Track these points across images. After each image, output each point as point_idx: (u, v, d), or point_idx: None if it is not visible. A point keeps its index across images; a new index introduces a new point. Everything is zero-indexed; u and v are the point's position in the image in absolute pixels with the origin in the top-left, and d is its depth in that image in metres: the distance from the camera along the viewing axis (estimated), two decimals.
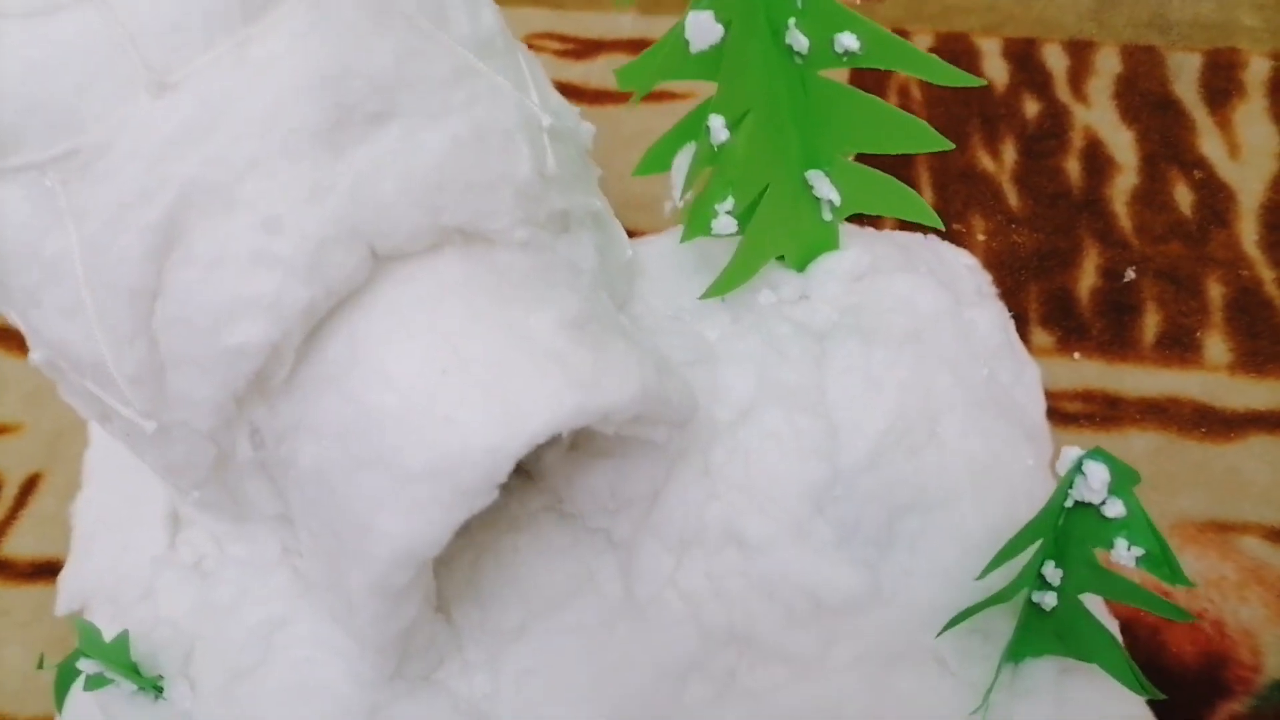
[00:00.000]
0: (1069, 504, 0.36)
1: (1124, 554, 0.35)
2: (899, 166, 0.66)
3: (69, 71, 0.32)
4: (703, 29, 0.37)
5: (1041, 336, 0.58)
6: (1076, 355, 0.57)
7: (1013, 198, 0.64)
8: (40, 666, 0.40)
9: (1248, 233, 0.61)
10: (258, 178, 0.32)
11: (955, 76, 0.40)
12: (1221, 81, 0.69)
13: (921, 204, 0.46)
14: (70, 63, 0.32)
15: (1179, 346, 0.57)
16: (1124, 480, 0.35)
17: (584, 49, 0.74)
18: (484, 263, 0.37)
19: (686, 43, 0.38)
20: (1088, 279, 0.60)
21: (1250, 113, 0.67)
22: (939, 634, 0.40)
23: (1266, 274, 0.59)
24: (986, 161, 0.66)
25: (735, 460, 0.43)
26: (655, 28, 0.74)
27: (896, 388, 0.44)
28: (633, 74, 0.44)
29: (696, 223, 0.43)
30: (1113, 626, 0.42)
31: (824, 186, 0.45)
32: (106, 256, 0.33)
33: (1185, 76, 0.69)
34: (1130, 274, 0.60)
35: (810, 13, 0.39)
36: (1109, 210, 0.63)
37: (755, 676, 0.42)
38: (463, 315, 0.35)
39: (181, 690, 0.41)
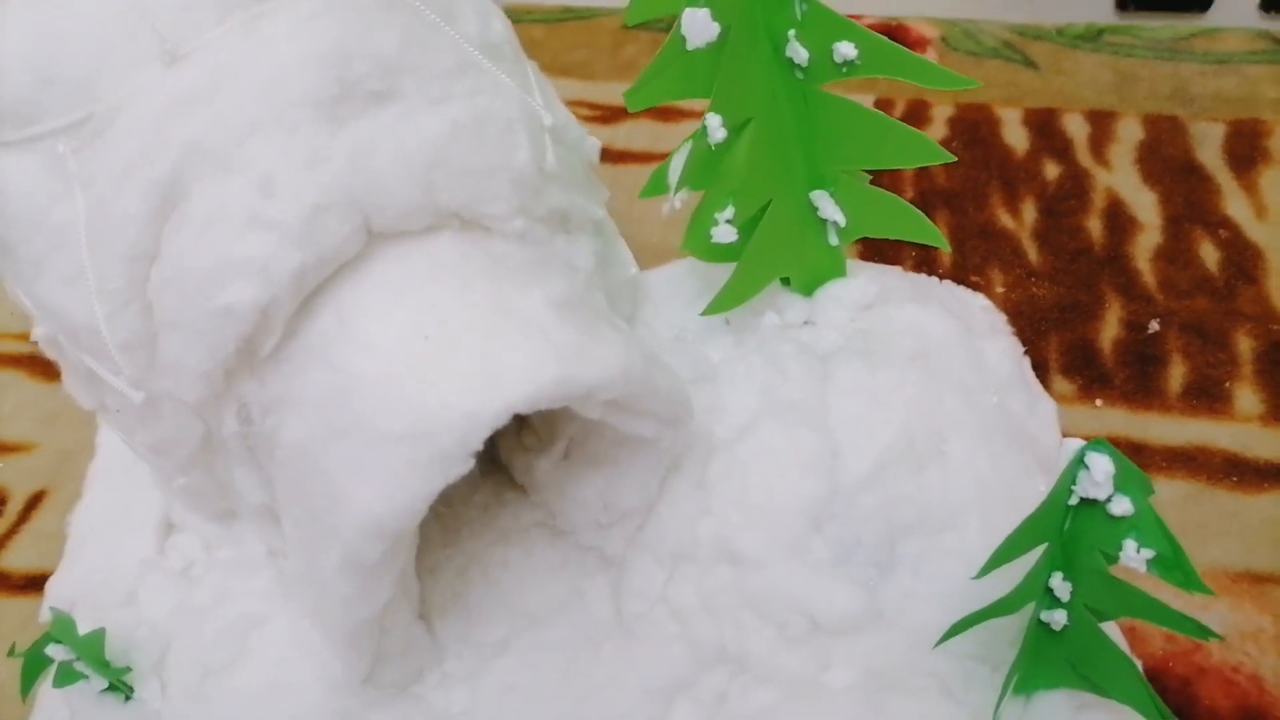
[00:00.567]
0: (1073, 501, 0.34)
1: (1133, 556, 0.33)
2: None
3: (87, 44, 0.34)
4: (699, 26, 0.38)
5: (1062, 384, 0.56)
6: (1099, 402, 0.55)
7: (1032, 253, 0.63)
8: (12, 654, 0.39)
9: (1276, 289, 0.60)
10: (257, 143, 0.33)
11: (950, 80, 0.40)
12: (1246, 149, 0.69)
13: (929, 226, 0.46)
14: (89, 35, 0.34)
15: (1207, 397, 0.55)
16: (1130, 477, 0.33)
17: (611, 115, 0.76)
18: (479, 247, 0.37)
19: (684, 40, 0.39)
20: (1110, 330, 0.59)
21: (1277, 177, 0.67)
22: (938, 643, 0.37)
23: None
24: (1006, 219, 0.66)
25: (732, 475, 0.42)
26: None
27: (901, 407, 0.43)
28: (636, 92, 0.45)
29: (697, 230, 0.43)
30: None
31: (829, 208, 0.45)
32: (109, 219, 0.34)
33: (1209, 144, 0.69)
34: (1154, 326, 0.58)
35: (809, 23, 0.40)
36: (1131, 266, 0.62)
37: (746, 700, 0.39)
38: (451, 289, 0.35)
39: (152, 689, 0.40)
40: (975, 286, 0.61)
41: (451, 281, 0.35)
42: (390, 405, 0.32)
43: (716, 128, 0.40)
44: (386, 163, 0.34)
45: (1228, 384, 0.55)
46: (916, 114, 0.74)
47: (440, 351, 0.33)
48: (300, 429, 0.35)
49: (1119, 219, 0.65)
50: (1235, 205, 0.65)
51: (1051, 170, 0.68)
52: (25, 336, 0.61)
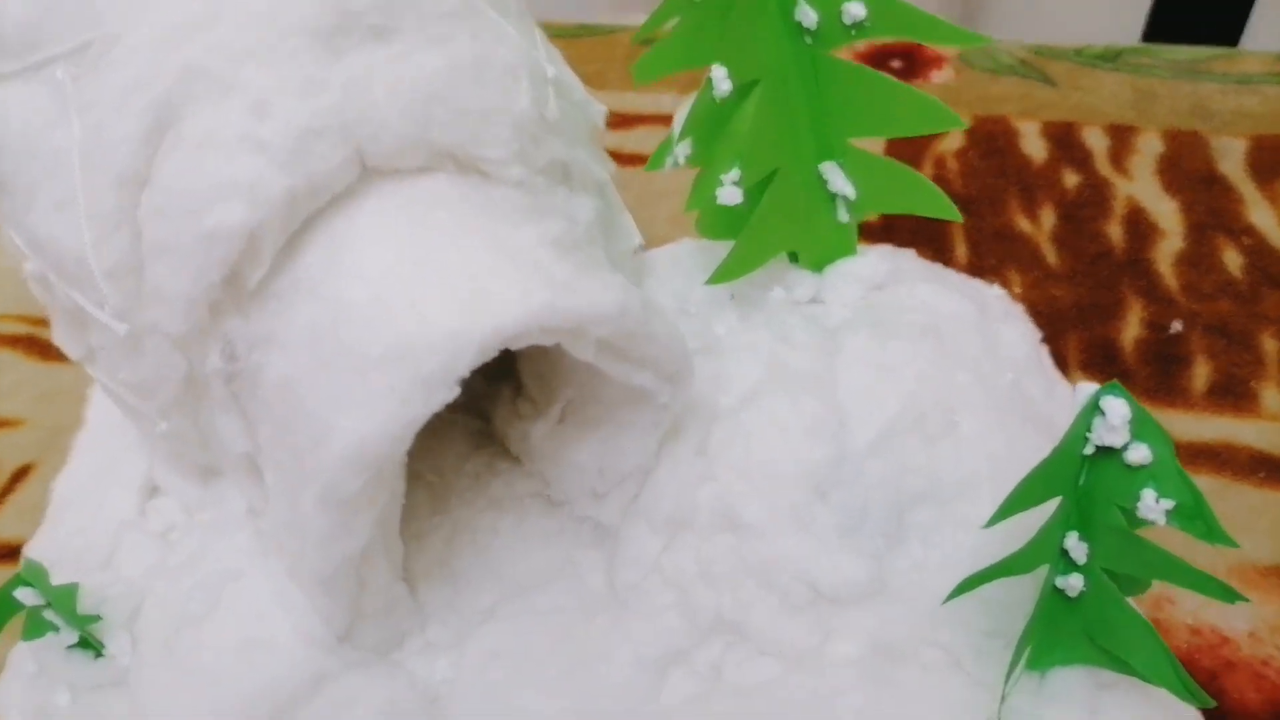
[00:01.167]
0: (1088, 451, 0.32)
1: (1152, 507, 0.31)
2: (929, 223, 0.65)
3: None
4: None
5: (1081, 380, 0.54)
6: None
7: (1051, 256, 0.62)
8: None
9: None
10: (254, 67, 0.33)
11: (963, 37, 0.40)
12: (1269, 161, 0.67)
13: (941, 197, 0.44)
14: None
15: (1232, 395, 0.53)
16: (1147, 424, 0.31)
17: (623, 121, 0.76)
18: (476, 189, 0.36)
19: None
20: (1131, 330, 0.57)
21: None
22: (946, 599, 0.35)
23: None
24: (1024, 224, 0.64)
25: (734, 442, 0.40)
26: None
27: (912, 379, 0.41)
28: (646, 64, 0.44)
29: (702, 191, 0.43)
30: None
31: (839, 180, 0.44)
32: (103, 142, 0.33)
33: (1231, 157, 0.68)
34: (1177, 326, 0.57)
35: None
36: (1153, 270, 0.60)
37: (744, 671, 0.37)
38: (445, 222, 0.34)
39: (122, 644, 0.38)
40: None
41: (445, 215, 0.34)
42: (373, 330, 0.31)
43: (722, 79, 0.39)
44: (382, 95, 0.34)
45: (1253, 383, 0.53)
46: None
47: (428, 276, 0.32)
48: (284, 365, 0.34)
49: (1140, 225, 0.64)
50: (1259, 214, 0.64)
51: (1070, 179, 0.67)
52: (24, 318, 0.62)
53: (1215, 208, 0.64)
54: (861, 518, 0.39)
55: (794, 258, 0.47)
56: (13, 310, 0.61)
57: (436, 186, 0.35)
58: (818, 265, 0.47)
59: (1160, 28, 0.99)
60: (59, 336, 0.40)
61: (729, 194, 0.42)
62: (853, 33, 0.41)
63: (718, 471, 0.40)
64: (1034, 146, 0.70)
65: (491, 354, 0.32)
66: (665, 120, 0.76)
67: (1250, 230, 0.62)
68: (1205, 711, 0.37)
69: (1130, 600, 0.35)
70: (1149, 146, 0.69)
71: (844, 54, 0.71)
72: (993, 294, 0.51)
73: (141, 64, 0.33)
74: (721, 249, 0.46)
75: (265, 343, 0.35)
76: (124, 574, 0.41)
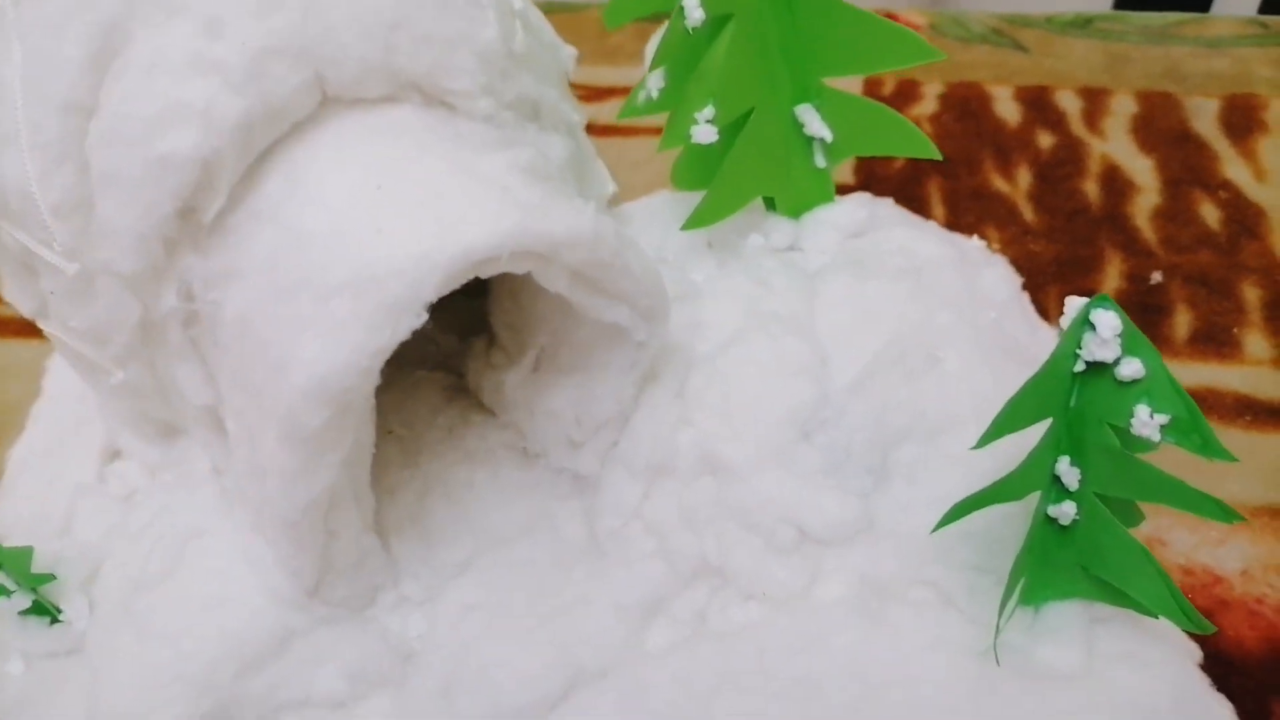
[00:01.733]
0: (1078, 368, 0.31)
1: (1147, 422, 0.30)
2: (906, 183, 0.64)
3: None
4: None
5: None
6: None
7: (1028, 213, 0.61)
8: None
9: None
10: None
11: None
12: (1242, 120, 0.67)
13: (920, 136, 0.44)
14: None
15: (1215, 343, 0.53)
16: (1138, 338, 0.30)
17: (595, 94, 0.75)
18: (443, 122, 0.35)
19: None
20: (1111, 282, 0.56)
21: (1274, 144, 0.65)
22: (935, 528, 0.34)
23: None
24: (1000, 183, 0.64)
25: (714, 385, 0.39)
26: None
27: (893, 317, 0.40)
28: (615, 7, 0.43)
29: (676, 130, 0.41)
30: None
31: (815, 123, 0.43)
32: (45, 65, 0.32)
33: (1204, 116, 0.68)
34: (1157, 277, 0.56)
35: None
36: (1131, 225, 0.60)
37: (729, 617, 0.36)
38: (410, 148, 0.33)
39: (79, 608, 0.36)
40: None
41: (410, 142, 0.33)
42: (335, 256, 0.30)
43: (694, 7, 0.38)
44: (342, 17, 0.33)
45: (1236, 330, 0.53)
46: (906, 92, 0.72)
47: (393, 201, 0.31)
48: (243, 300, 0.32)
49: (1116, 182, 0.63)
50: (1234, 169, 0.63)
51: (1045, 140, 0.67)
52: None
53: (1191, 164, 0.64)
54: (845, 456, 0.38)
55: (771, 205, 0.46)
56: None
57: (401, 116, 0.34)
58: (795, 212, 0.46)
59: None
60: (9, 292, 0.38)
61: (704, 132, 0.41)
62: None
63: (697, 415, 0.39)
64: (1008, 110, 0.70)
65: (459, 280, 0.30)
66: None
67: (1227, 185, 0.62)
68: (1202, 648, 0.37)
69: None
70: (1122, 107, 0.69)
71: None
72: (972, 245, 0.51)
73: None
74: (695, 201, 0.45)
75: (223, 280, 0.33)
76: (81, 539, 0.39)
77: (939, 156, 0.44)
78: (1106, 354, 0.30)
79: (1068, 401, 0.32)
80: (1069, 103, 0.70)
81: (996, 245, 0.59)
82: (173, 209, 0.32)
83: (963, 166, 0.65)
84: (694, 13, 0.38)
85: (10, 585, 0.36)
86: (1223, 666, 0.38)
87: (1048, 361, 0.31)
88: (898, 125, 0.44)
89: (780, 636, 0.34)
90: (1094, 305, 0.30)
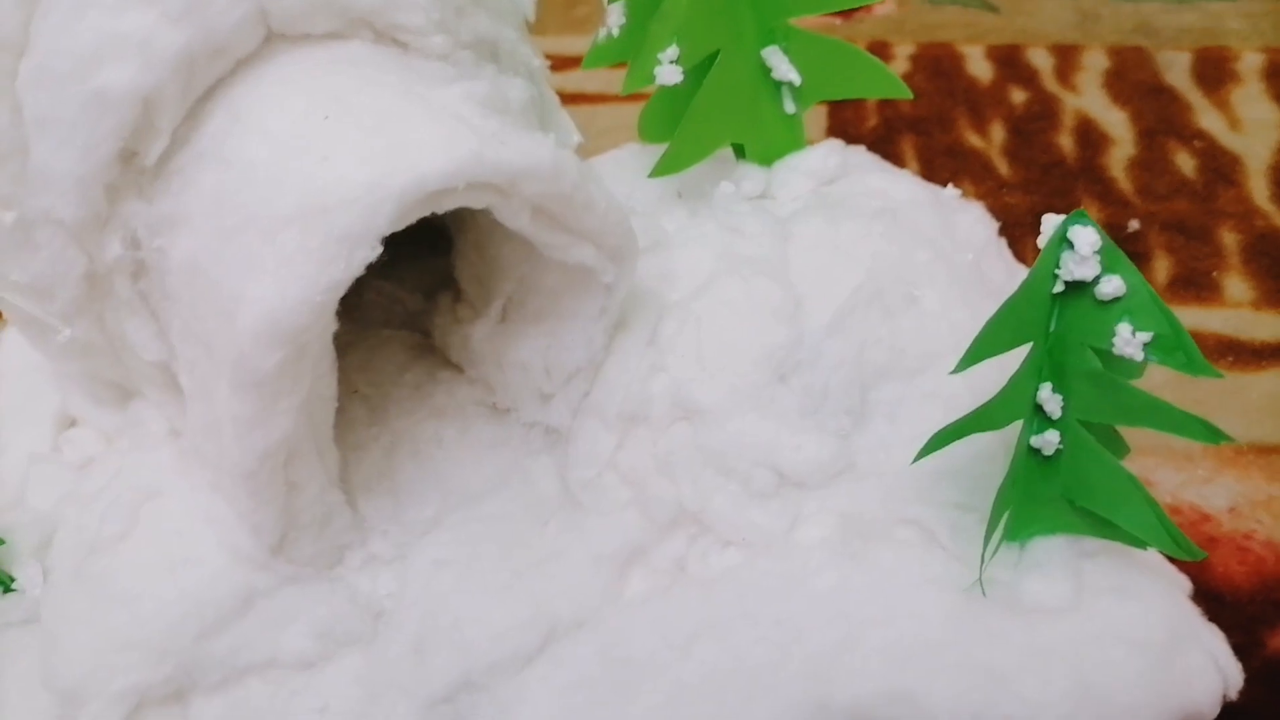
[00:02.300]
0: (1057, 289, 0.30)
1: (1129, 340, 0.30)
2: (879, 142, 0.63)
3: None
4: None
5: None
6: None
7: (1003, 168, 0.61)
8: None
9: (1259, 190, 0.57)
10: None
11: None
12: (1214, 71, 0.67)
13: (890, 76, 0.43)
14: None
15: (1195, 287, 0.52)
16: (1117, 255, 0.30)
17: (561, 64, 0.73)
18: (394, 58, 0.33)
19: None
20: None
21: (1248, 94, 0.65)
22: (916, 458, 0.33)
23: None
24: (974, 140, 0.63)
25: (685, 330, 0.38)
26: None
27: (867, 256, 0.39)
28: None
29: (639, 71, 0.40)
30: None
31: (783, 66, 0.42)
32: None
33: (1177, 69, 0.68)
34: (1135, 225, 0.55)
35: None
36: (1106, 175, 0.60)
37: (708, 564, 0.35)
38: (358, 78, 0.31)
39: (32, 575, 0.35)
40: None
41: (359, 74, 0.32)
42: (281, 187, 0.29)
43: None
44: None
45: (1215, 274, 0.52)
46: (877, 53, 0.69)
47: (341, 129, 0.29)
48: (189, 243, 0.31)
49: (1090, 135, 0.63)
50: (1209, 119, 0.63)
51: (1018, 96, 0.66)
52: None
53: (1165, 115, 0.63)
54: (823, 398, 0.37)
55: (740, 153, 0.45)
56: None
57: (350, 51, 0.33)
58: (765, 159, 0.45)
59: None
60: None
61: (668, 73, 0.40)
62: None
63: (670, 361, 0.37)
64: (980, 68, 0.69)
65: (413, 213, 0.29)
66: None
67: (1201, 134, 0.62)
68: (1192, 581, 0.36)
69: None
70: (1094, 63, 0.69)
71: None
72: (948, 192, 0.50)
73: None
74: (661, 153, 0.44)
75: (169, 226, 0.32)
76: (32, 504, 0.37)
77: (910, 95, 0.43)
78: (1086, 272, 0.29)
79: (1047, 325, 0.31)
80: (1041, 60, 0.69)
81: (972, 198, 0.59)
82: (113, 150, 0.30)
83: (935, 124, 0.65)
84: None
85: None
86: (1212, 602, 0.37)
87: (1025, 281, 0.30)
88: (867, 65, 0.43)
89: (761, 580, 0.33)
90: (1071, 221, 0.30)
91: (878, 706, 0.32)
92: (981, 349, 0.31)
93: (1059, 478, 0.33)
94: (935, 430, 0.35)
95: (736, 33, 0.41)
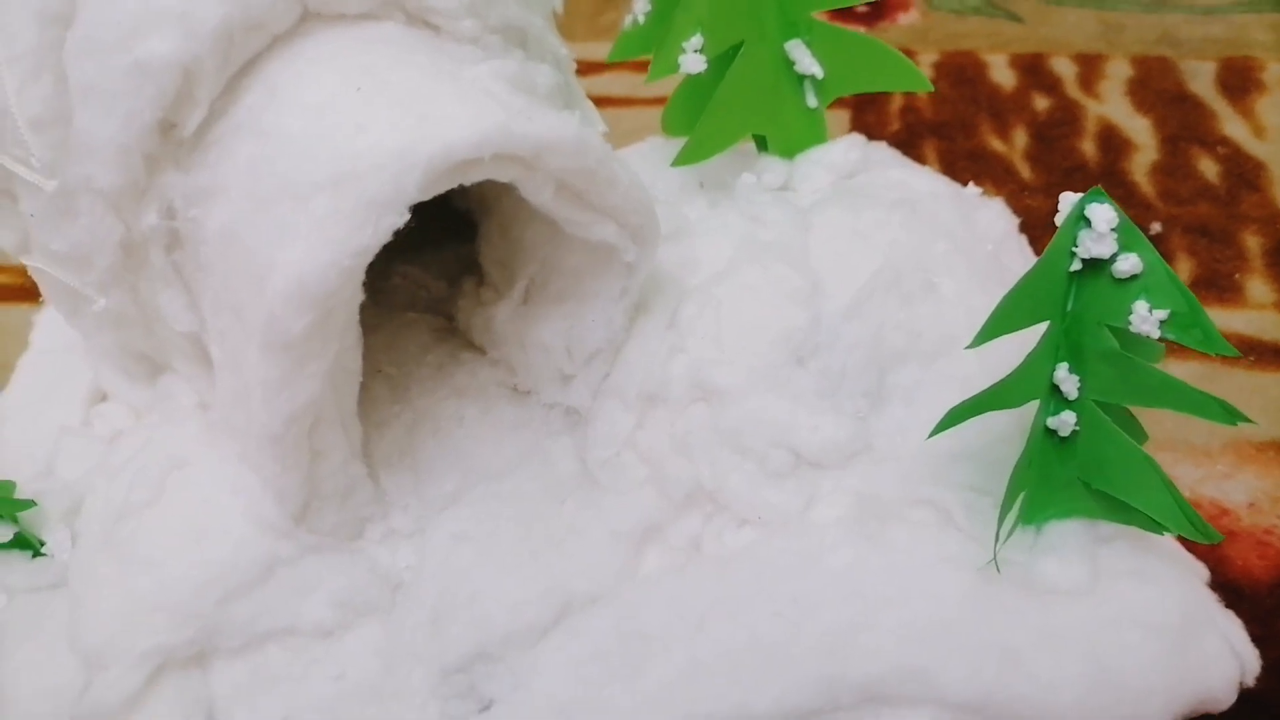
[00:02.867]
0: (1074, 267, 0.30)
1: (1146, 318, 0.30)
2: (901, 145, 0.64)
3: None
4: None
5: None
6: None
7: (1025, 171, 0.61)
8: None
9: None
10: None
11: None
12: (1238, 81, 0.67)
13: (912, 69, 0.43)
14: None
15: (1217, 288, 0.52)
16: (1133, 233, 0.30)
17: (590, 69, 0.74)
18: (425, 39, 0.34)
19: None
20: None
21: (1273, 102, 0.65)
22: (932, 433, 0.33)
23: None
24: (996, 144, 0.63)
25: (705, 312, 0.38)
26: None
27: (886, 244, 0.40)
28: None
29: (664, 60, 0.41)
30: None
31: (805, 59, 0.43)
32: None
33: (1201, 78, 0.68)
34: (1157, 228, 0.55)
35: None
36: (1129, 180, 0.59)
37: (723, 542, 0.35)
38: (390, 55, 0.32)
39: (61, 540, 0.36)
40: None
41: (391, 51, 0.32)
42: (314, 155, 0.29)
43: None
44: None
45: (1237, 276, 0.52)
46: None
47: (373, 102, 0.30)
48: (224, 213, 0.32)
49: (1113, 141, 0.63)
50: (1233, 127, 0.63)
51: (1041, 103, 0.66)
52: None
53: (1188, 122, 0.63)
54: (840, 380, 0.37)
55: (762, 145, 0.45)
56: None
57: (383, 31, 0.34)
58: (787, 152, 0.45)
59: None
60: None
61: (693, 61, 0.40)
62: None
63: (689, 343, 0.38)
64: (1003, 76, 0.70)
65: (442, 182, 0.30)
66: (627, 65, 0.75)
67: (1225, 141, 0.62)
68: (1211, 574, 0.36)
69: None
70: (1118, 71, 0.69)
71: None
72: (969, 190, 0.50)
73: None
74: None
75: (205, 196, 0.33)
76: (62, 474, 0.38)
77: (930, 88, 0.43)
78: (1103, 249, 0.30)
79: (1064, 305, 0.31)
80: (1064, 68, 0.70)
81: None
82: (153, 119, 0.31)
83: (958, 129, 0.65)
84: None
85: None
86: (1231, 595, 0.37)
87: (1043, 258, 0.31)
88: (889, 58, 0.43)
89: (776, 558, 0.34)
90: (1088, 199, 0.30)
91: (890, 684, 0.32)
92: (998, 325, 0.32)
93: (1075, 459, 0.33)
94: None
95: (760, 25, 0.42)
